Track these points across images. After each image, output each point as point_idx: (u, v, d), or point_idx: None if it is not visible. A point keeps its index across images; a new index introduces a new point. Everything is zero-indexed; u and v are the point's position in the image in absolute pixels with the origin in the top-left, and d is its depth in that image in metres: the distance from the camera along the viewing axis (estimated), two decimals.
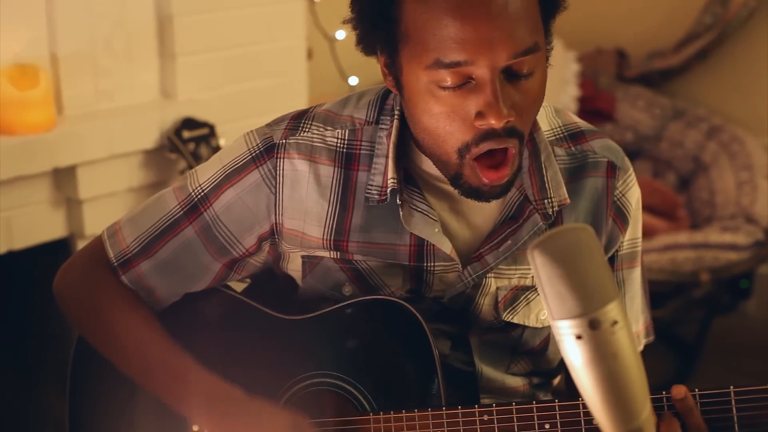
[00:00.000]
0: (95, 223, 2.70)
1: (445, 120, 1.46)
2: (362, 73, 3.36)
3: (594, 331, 1.15)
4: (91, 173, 2.66)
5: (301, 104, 3.11)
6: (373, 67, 4.02)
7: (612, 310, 1.15)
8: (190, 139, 2.72)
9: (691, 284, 3.63)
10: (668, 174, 4.23)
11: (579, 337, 1.15)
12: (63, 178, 2.66)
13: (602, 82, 4.36)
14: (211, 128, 2.78)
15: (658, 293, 3.69)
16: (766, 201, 3.86)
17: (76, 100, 2.68)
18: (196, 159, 2.71)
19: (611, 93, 4.33)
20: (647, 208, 3.89)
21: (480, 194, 1.52)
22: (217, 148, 2.75)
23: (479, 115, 1.44)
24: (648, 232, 3.79)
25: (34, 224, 2.66)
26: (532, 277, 1.62)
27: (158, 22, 2.79)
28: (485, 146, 1.46)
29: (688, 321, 3.88)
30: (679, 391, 1.50)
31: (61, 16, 2.62)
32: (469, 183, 1.50)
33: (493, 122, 1.43)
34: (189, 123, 2.75)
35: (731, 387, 1.49)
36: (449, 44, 1.41)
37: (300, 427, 1.58)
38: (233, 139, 2.84)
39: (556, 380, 1.80)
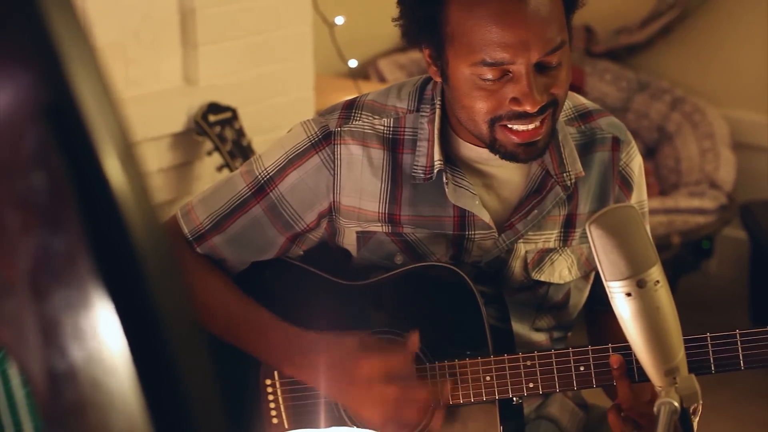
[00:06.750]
0: None
1: (483, 101, 1.69)
2: (360, 56, 3.55)
3: (641, 289, 1.37)
4: None
5: (309, 87, 3.26)
6: (369, 50, 4.25)
7: (655, 272, 1.39)
8: (215, 122, 2.86)
9: (662, 246, 3.78)
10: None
11: (629, 295, 1.38)
12: None
13: (572, 57, 4.50)
14: (234, 112, 2.92)
15: None
16: (728, 167, 4.02)
17: None
18: (222, 141, 2.85)
19: (580, 68, 4.43)
20: None
21: (516, 156, 1.74)
22: (240, 131, 2.91)
23: (515, 100, 1.67)
24: None
25: None
26: (554, 240, 1.84)
27: (181, 15, 2.93)
28: (516, 124, 1.69)
29: None
30: (616, 359, 1.70)
31: (95, 10, 2.73)
32: (505, 146, 1.72)
33: (528, 109, 1.67)
34: (213, 107, 2.89)
35: (707, 334, 1.69)
36: (493, 47, 1.65)
37: (365, 343, 1.79)
38: (254, 121, 3.03)
39: (570, 333, 2.05)
